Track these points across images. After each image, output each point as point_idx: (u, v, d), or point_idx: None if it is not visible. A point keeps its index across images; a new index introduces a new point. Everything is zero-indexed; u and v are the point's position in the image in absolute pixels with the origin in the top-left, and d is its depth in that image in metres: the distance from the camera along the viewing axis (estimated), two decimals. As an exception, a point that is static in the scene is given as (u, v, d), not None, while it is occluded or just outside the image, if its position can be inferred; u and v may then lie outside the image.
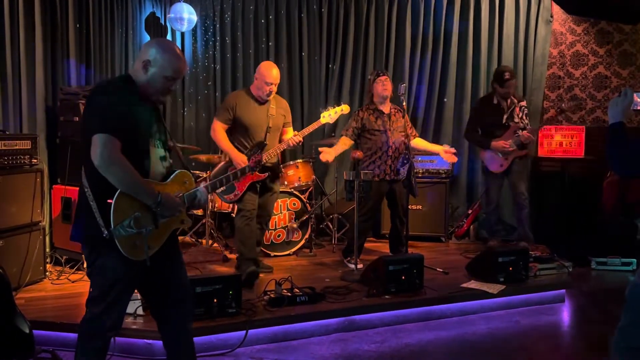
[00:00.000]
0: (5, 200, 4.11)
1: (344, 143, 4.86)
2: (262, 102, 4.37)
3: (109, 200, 2.25)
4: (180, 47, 6.11)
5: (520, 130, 5.35)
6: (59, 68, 5.17)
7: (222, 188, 4.10)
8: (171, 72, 2.45)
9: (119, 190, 2.27)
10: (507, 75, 5.33)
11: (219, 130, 4.35)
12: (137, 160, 2.37)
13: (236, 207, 4.55)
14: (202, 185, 2.66)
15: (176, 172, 2.56)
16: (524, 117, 5.46)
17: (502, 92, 5.39)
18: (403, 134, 4.77)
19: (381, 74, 4.83)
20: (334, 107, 4.59)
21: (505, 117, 5.42)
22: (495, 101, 5.47)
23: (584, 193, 5.98)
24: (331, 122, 4.69)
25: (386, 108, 4.83)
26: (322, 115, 4.54)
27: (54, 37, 5.12)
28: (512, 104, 5.44)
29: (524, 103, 5.52)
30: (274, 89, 4.34)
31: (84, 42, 5.43)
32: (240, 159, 4.21)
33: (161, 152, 2.53)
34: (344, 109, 4.61)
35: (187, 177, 2.60)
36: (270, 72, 4.29)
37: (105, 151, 2.24)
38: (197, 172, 5.36)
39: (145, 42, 5.50)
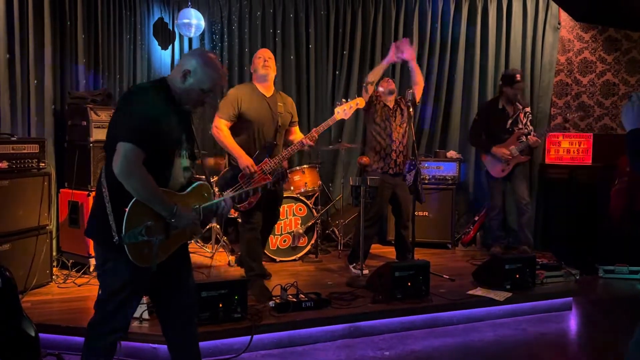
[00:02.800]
0: (13, 204, 4.13)
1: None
2: (267, 95, 4.15)
3: (124, 209, 2.26)
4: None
5: (525, 136, 5.41)
6: (67, 72, 5.19)
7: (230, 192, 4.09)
8: (209, 86, 2.46)
9: (135, 198, 2.28)
10: (518, 77, 5.35)
11: (223, 129, 4.04)
12: (159, 170, 2.38)
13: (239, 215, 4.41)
14: (229, 195, 2.64)
15: (196, 184, 2.56)
16: (528, 124, 5.51)
17: (510, 94, 5.40)
18: (406, 125, 4.86)
19: (384, 77, 4.94)
20: (348, 102, 4.33)
21: (509, 122, 5.47)
22: (500, 106, 5.52)
23: (591, 200, 5.94)
24: (346, 118, 4.37)
25: (391, 103, 4.90)
26: (336, 110, 4.28)
27: (63, 41, 5.15)
28: (517, 110, 5.47)
29: (528, 109, 5.60)
30: (270, 63, 4.16)
31: (92, 46, 5.46)
32: (247, 162, 3.98)
33: (185, 162, 2.53)
34: (359, 102, 4.39)
35: (206, 191, 2.60)
36: (259, 50, 4.31)
37: (125, 162, 2.24)
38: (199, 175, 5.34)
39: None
